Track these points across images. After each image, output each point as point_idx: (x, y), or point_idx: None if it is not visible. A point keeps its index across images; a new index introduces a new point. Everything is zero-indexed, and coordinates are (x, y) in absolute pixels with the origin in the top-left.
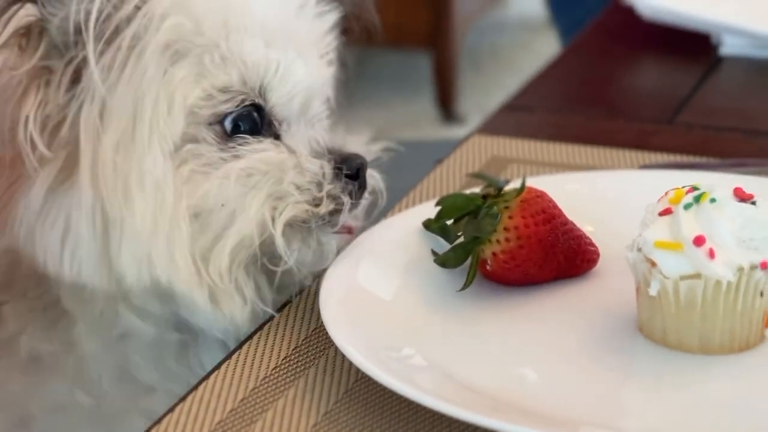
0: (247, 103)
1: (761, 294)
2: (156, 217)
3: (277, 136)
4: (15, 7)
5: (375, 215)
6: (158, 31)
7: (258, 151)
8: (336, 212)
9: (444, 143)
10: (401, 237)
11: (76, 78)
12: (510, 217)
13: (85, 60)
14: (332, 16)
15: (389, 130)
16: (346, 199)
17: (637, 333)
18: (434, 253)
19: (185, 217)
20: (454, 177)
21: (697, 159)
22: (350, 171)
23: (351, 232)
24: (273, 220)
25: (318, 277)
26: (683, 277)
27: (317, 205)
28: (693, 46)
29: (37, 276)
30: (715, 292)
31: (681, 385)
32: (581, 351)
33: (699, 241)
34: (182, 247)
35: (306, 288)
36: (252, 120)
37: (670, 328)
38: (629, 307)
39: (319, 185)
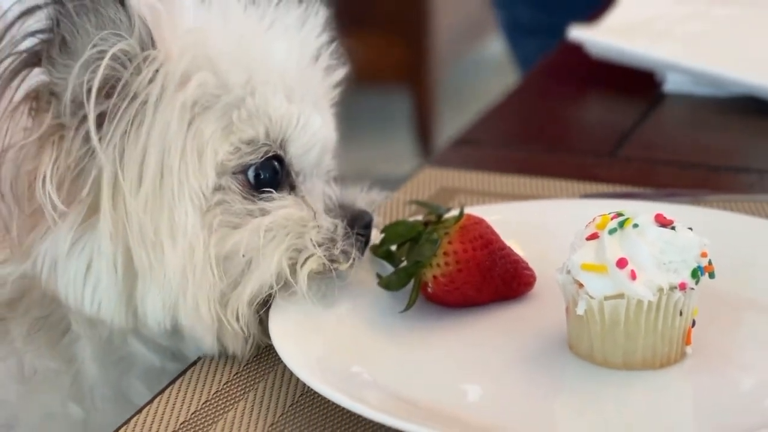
0: (270, 154)
1: (680, 313)
2: (185, 267)
3: (293, 187)
4: (24, 73)
5: None
6: (182, 88)
7: (281, 207)
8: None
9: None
10: None
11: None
12: (449, 243)
13: (101, 116)
14: (341, 71)
15: (368, 165)
16: (357, 254)
17: (567, 350)
18: (379, 276)
19: (213, 267)
20: (403, 207)
21: (634, 189)
22: (360, 230)
23: None
24: (291, 270)
25: None
26: (607, 297)
27: (333, 260)
28: (638, 83)
29: (46, 300)
30: (637, 311)
31: (605, 399)
32: (516, 368)
33: (622, 263)
34: (206, 295)
35: None
36: (273, 170)
37: (596, 345)
38: (561, 326)
39: (334, 242)
